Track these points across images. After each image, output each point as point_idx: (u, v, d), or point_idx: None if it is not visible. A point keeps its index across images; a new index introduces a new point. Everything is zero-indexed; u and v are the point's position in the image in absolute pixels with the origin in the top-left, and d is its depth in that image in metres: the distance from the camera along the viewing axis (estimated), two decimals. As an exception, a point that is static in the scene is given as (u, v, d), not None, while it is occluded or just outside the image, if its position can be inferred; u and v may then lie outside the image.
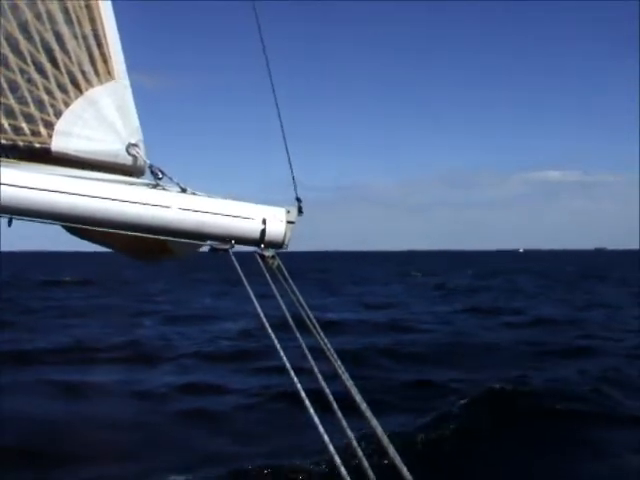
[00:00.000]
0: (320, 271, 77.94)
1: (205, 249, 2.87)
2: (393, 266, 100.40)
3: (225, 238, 2.81)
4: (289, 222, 2.83)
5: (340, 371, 2.40)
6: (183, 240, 2.83)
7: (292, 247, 2.83)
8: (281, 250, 2.82)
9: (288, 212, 2.85)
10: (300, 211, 2.86)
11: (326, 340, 2.54)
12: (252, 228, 2.79)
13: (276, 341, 2.42)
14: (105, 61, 2.88)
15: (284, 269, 2.76)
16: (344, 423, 2.13)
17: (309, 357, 2.38)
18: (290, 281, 2.73)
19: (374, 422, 2.17)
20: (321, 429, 2.12)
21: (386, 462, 2.08)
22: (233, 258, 2.79)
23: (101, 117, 2.91)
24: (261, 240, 2.79)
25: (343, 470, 2.01)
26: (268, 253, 2.78)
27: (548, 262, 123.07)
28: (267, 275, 2.72)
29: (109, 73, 2.90)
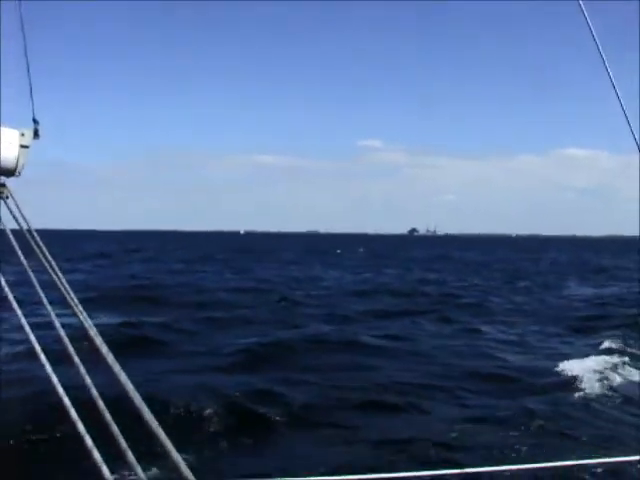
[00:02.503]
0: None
1: None
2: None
3: (-57, 164, 2.40)
4: (23, 146, 2.51)
5: (103, 350, 2.02)
6: None
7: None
8: (13, 177, 2.48)
9: (22, 135, 2.52)
10: (36, 134, 2.54)
11: (67, 286, 2.26)
12: None
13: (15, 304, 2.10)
14: None
15: (16, 200, 2.43)
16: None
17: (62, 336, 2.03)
18: (25, 216, 2.41)
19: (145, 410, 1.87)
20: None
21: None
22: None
23: None
24: None
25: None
26: (-4, 182, 2.43)
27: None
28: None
29: None
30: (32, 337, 1.99)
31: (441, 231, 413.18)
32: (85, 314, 2.14)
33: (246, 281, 36.70)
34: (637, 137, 3.40)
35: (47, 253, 2.30)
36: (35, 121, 2.57)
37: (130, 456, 1.76)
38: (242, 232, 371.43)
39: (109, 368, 1.95)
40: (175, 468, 1.82)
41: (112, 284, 30.93)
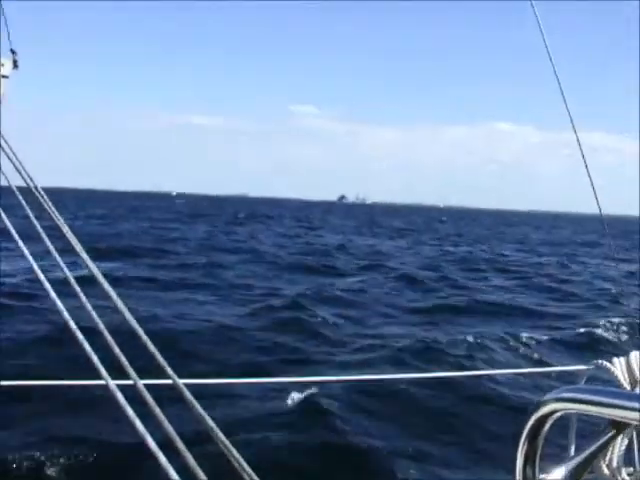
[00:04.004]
0: None
1: None
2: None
3: None
4: (3, 76, 2.56)
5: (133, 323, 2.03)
6: None
7: None
8: None
9: (2, 65, 2.56)
10: (15, 65, 2.58)
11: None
12: None
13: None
14: None
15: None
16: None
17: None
18: (9, 144, 2.45)
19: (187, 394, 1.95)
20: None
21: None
22: None
23: None
24: None
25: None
26: (-22, 111, 2.47)
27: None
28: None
29: None
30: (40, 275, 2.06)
31: (370, 199, 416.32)
32: (84, 253, 2.20)
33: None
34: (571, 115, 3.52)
35: (39, 188, 2.36)
36: (13, 51, 2.60)
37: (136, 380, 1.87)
38: (174, 194, 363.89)
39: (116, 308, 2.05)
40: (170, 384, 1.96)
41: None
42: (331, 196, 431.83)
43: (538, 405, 1.45)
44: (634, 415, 1.26)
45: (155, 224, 52.27)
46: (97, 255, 24.34)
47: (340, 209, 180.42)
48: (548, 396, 1.44)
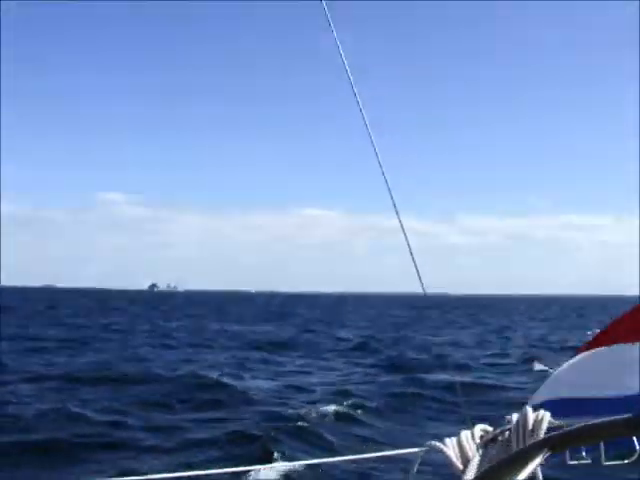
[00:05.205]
0: None
1: None
2: None
3: None
4: None
5: None
6: None
7: None
8: None
9: None
10: None
11: None
12: None
13: None
14: None
15: None
16: None
17: None
18: None
19: None
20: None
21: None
22: None
23: None
24: None
25: None
26: None
27: None
28: None
29: None
30: None
31: (182, 287, 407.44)
32: None
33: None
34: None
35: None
36: None
37: None
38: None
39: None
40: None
41: None
42: (139, 285, 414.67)
43: None
44: None
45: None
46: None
47: (155, 298, 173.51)
48: None
